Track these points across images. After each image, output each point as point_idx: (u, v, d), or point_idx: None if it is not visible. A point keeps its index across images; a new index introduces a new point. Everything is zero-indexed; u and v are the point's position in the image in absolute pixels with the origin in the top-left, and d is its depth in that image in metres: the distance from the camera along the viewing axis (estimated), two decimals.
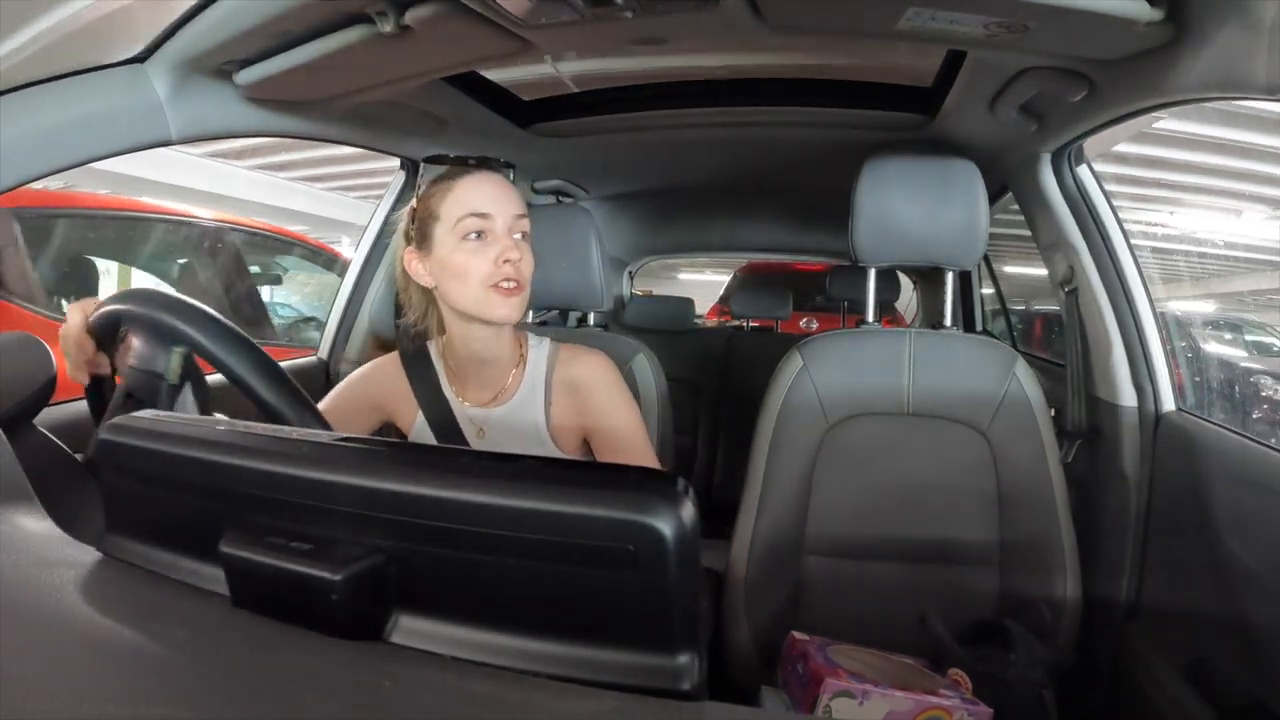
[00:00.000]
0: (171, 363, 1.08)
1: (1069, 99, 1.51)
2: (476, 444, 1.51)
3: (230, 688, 0.54)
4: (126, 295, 1.10)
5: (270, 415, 1.02)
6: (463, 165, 1.46)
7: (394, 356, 1.60)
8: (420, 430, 1.54)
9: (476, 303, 1.40)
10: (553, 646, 0.61)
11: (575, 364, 1.52)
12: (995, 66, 1.52)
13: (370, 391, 1.59)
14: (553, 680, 0.59)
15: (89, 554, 0.75)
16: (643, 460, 1.49)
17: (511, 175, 1.49)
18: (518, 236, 1.42)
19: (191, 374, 1.11)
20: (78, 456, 1.11)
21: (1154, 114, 1.50)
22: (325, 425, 1.06)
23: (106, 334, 1.12)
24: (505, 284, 1.39)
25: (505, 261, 1.39)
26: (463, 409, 1.53)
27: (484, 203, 1.41)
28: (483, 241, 1.40)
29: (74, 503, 0.89)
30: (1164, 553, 1.73)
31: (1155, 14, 1.11)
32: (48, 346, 1.18)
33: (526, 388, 1.51)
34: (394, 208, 2.32)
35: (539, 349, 1.54)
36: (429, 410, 1.53)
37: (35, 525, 0.78)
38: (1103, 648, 1.79)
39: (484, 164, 1.46)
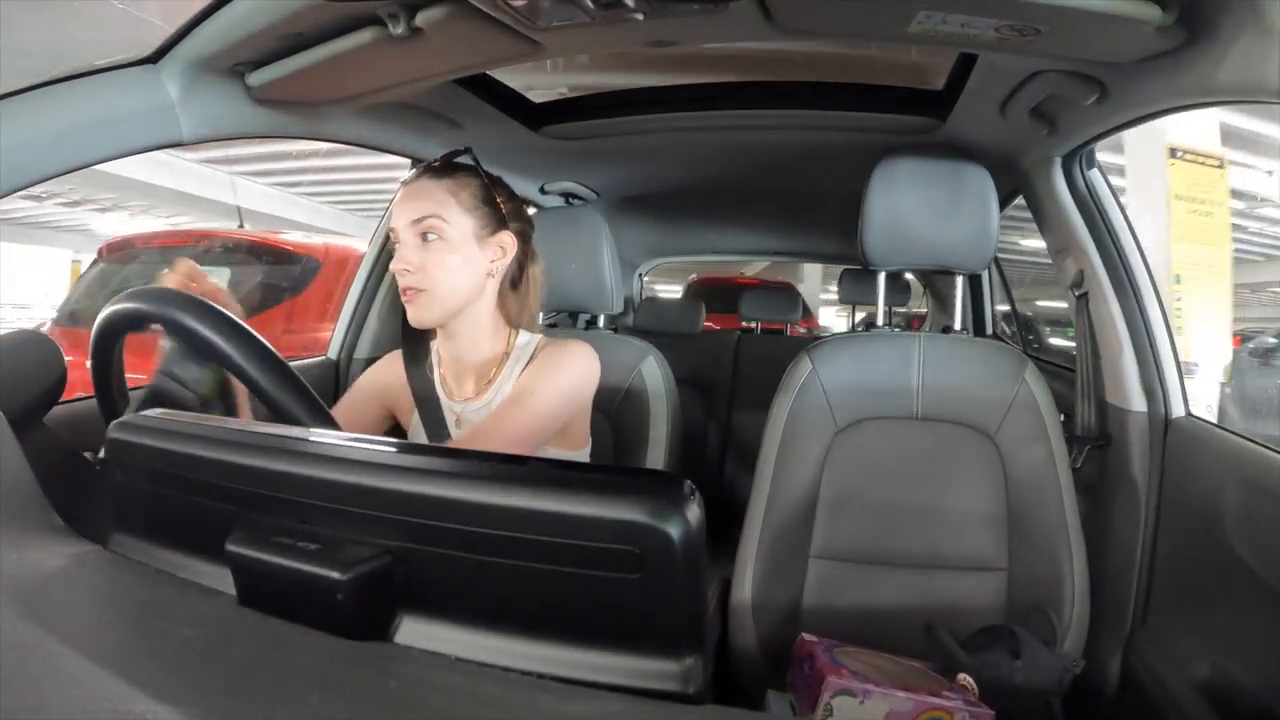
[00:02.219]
0: (204, 377, 1.09)
1: (1081, 102, 1.50)
2: (454, 434, 1.52)
3: (236, 686, 0.54)
4: (138, 295, 1.10)
5: (281, 416, 1.02)
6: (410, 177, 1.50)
7: (397, 354, 1.62)
8: (416, 425, 1.56)
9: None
10: (558, 648, 0.61)
11: (554, 350, 1.52)
12: (1006, 70, 1.52)
13: (376, 389, 1.62)
14: (557, 682, 0.59)
15: (96, 552, 0.75)
16: (500, 436, 1.39)
17: (468, 162, 1.52)
18: (429, 239, 1.43)
19: (223, 393, 1.12)
20: (86, 455, 1.12)
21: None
22: (335, 426, 1.06)
23: (116, 332, 1.12)
24: (406, 290, 1.42)
25: (399, 269, 1.42)
26: (448, 403, 1.54)
27: (394, 215, 1.45)
28: (396, 252, 1.44)
29: (82, 501, 0.89)
30: (1173, 559, 1.73)
31: (1167, 17, 1.11)
32: (57, 344, 1.18)
33: (505, 382, 1.51)
34: None
35: (525, 345, 1.54)
36: (420, 403, 1.55)
37: (43, 523, 0.79)
38: (1111, 654, 1.79)
39: (415, 173, 1.50)
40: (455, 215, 1.43)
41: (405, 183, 1.47)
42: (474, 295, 1.47)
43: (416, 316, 1.43)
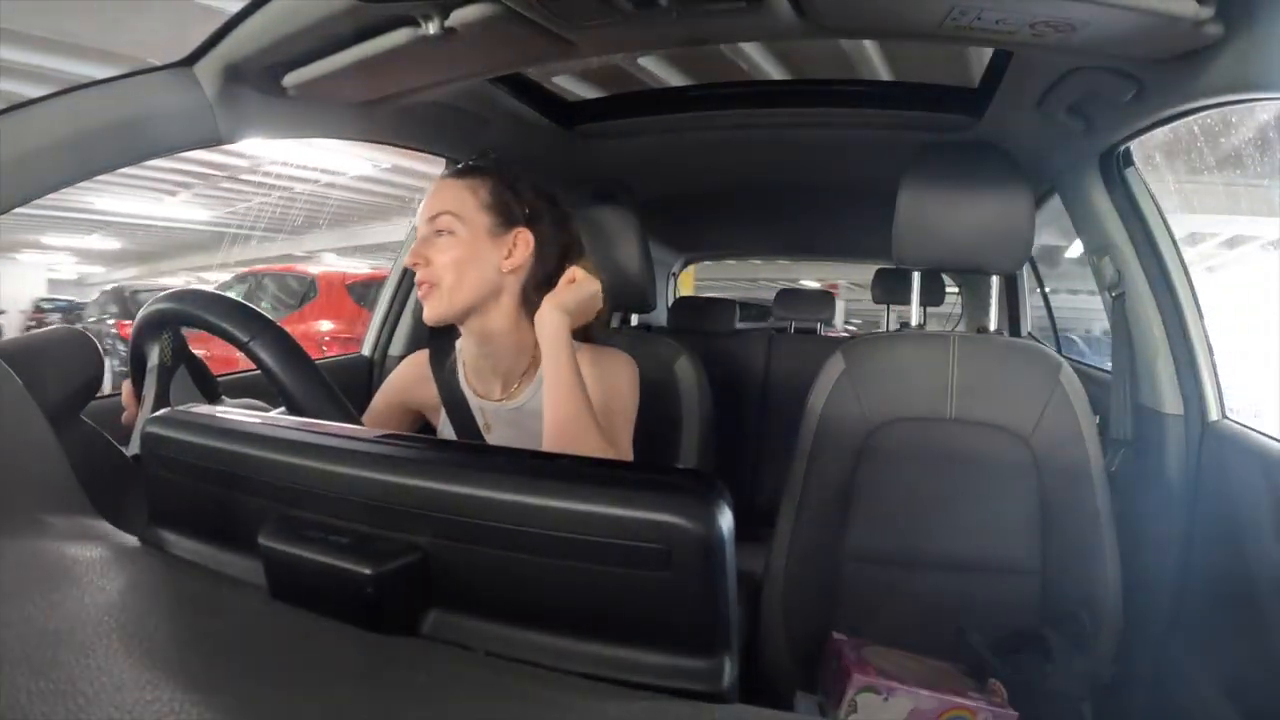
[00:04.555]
0: (161, 347, 1.11)
1: (1118, 99, 1.48)
2: (484, 434, 1.53)
3: (265, 677, 0.54)
4: (175, 296, 1.12)
5: (294, 407, 1.03)
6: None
7: (423, 354, 1.63)
8: (445, 424, 1.57)
9: None
10: (585, 645, 0.61)
11: (593, 362, 1.50)
12: (1042, 67, 1.50)
13: (399, 392, 1.63)
14: (584, 679, 0.59)
15: (131, 544, 0.77)
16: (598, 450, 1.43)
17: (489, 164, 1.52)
18: (441, 235, 1.44)
19: (182, 354, 1.14)
20: (123, 449, 1.13)
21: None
22: (354, 418, 1.07)
23: (155, 330, 1.14)
24: (419, 285, 1.43)
25: (409, 263, 1.44)
26: (476, 402, 1.54)
27: (419, 214, 1.47)
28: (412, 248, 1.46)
29: (118, 494, 0.90)
30: (1207, 564, 1.70)
31: (1204, 11, 1.09)
32: (95, 341, 1.20)
33: (539, 386, 1.49)
34: None
35: None
36: (447, 401, 1.56)
37: (79, 516, 0.80)
38: (1142, 660, 1.76)
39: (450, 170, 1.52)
40: (470, 212, 1.43)
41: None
42: (487, 293, 1.45)
43: (426, 312, 1.44)
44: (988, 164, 1.72)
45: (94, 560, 0.70)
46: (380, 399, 1.64)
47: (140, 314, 1.14)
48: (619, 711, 0.56)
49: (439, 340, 1.60)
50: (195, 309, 1.07)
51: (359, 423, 1.08)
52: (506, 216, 1.46)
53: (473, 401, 1.54)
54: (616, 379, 1.51)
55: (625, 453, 1.48)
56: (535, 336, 1.50)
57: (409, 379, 1.63)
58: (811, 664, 1.64)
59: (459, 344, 1.59)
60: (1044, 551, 1.69)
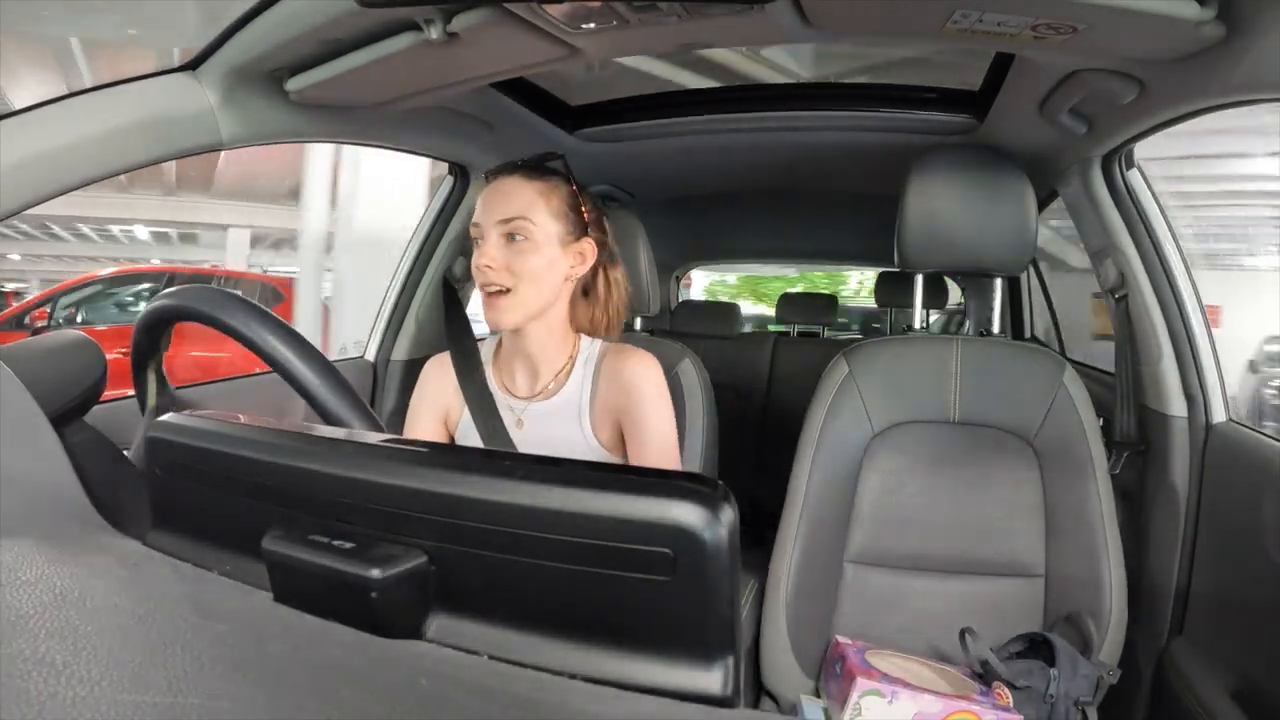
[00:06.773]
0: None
1: (1119, 101, 1.48)
2: (514, 434, 1.53)
3: (269, 681, 0.54)
4: (181, 292, 1.11)
5: (324, 416, 1.03)
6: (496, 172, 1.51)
7: (443, 356, 1.62)
8: (467, 421, 1.56)
9: (482, 308, 1.46)
10: (589, 649, 0.61)
11: (622, 361, 1.53)
12: (1044, 69, 1.50)
13: (435, 406, 1.62)
14: (589, 683, 0.59)
15: (134, 548, 0.76)
16: (667, 462, 1.50)
17: (560, 169, 1.53)
18: (512, 238, 1.44)
19: None
20: (126, 452, 1.13)
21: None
22: (377, 425, 1.06)
23: (158, 330, 1.13)
24: (488, 288, 1.43)
25: (483, 266, 1.43)
26: (505, 399, 1.55)
27: (480, 211, 1.46)
28: (478, 248, 1.45)
29: (121, 498, 0.90)
30: (1212, 568, 1.70)
31: (1205, 13, 1.09)
32: (99, 345, 1.20)
33: (574, 385, 1.53)
34: (441, 211, 2.34)
35: (590, 349, 1.56)
36: (472, 400, 1.55)
37: (83, 519, 0.80)
38: (1147, 664, 1.76)
39: (503, 169, 1.51)
40: (543, 218, 1.44)
41: (491, 177, 1.48)
42: (552, 300, 1.48)
43: (496, 319, 1.45)
44: (990, 166, 1.72)
45: (97, 564, 0.70)
46: (416, 424, 1.62)
47: (143, 312, 1.13)
48: (623, 716, 0.56)
49: (460, 341, 1.60)
50: (216, 313, 1.07)
51: (376, 423, 1.08)
52: (575, 225, 1.49)
53: (502, 400, 1.55)
54: (663, 384, 1.55)
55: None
56: (576, 337, 1.55)
57: (438, 388, 1.62)
58: (816, 667, 1.64)
59: (484, 344, 1.59)
60: (1048, 554, 1.68)
